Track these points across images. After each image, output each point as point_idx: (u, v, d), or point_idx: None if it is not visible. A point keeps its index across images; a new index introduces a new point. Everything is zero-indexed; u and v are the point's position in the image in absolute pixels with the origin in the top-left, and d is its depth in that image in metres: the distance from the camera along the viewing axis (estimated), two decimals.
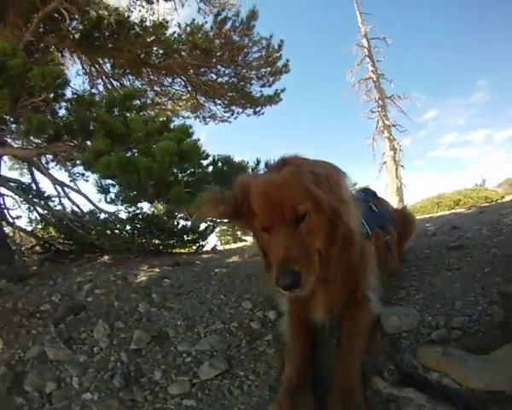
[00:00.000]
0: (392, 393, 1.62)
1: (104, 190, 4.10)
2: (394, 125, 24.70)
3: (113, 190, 4.48)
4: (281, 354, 2.06)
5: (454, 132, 58.46)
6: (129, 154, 3.89)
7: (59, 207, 5.77)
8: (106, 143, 3.66)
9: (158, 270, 4.02)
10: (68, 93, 5.04)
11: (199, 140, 3.93)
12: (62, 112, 4.72)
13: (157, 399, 1.97)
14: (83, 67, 8.97)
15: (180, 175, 3.86)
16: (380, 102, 24.77)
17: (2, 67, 3.72)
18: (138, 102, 5.00)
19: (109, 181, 4.20)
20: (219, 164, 4.12)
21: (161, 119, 4.77)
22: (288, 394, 1.64)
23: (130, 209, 5.77)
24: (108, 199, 4.61)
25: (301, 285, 1.59)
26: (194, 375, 2.07)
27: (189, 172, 3.92)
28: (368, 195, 2.97)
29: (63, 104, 4.68)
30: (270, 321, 2.49)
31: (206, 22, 8.54)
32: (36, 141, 4.52)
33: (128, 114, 4.42)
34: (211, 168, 4.17)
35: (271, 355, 2.12)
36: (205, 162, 4.10)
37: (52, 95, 4.21)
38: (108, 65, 8.92)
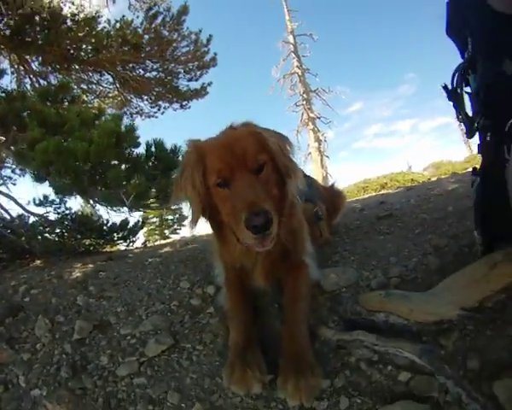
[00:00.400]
0: (342, 338, 1.69)
1: (40, 178, 3.90)
2: (319, 118, 25.62)
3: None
4: (224, 322, 2.09)
5: (379, 124, 61.34)
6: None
7: None
8: (41, 131, 3.56)
9: (92, 265, 3.91)
10: None
11: (133, 124, 3.90)
12: None
13: (107, 383, 1.94)
14: (11, 66, 8.45)
15: (116, 161, 3.80)
16: (304, 95, 25.57)
17: None
18: (70, 95, 4.86)
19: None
20: (152, 148, 4.09)
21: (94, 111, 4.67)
22: (238, 355, 1.68)
23: (59, 211, 5.59)
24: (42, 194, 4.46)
25: (272, 226, 1.62)
26: (141, 354, 2.06)
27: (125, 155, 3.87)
28: None
29: None
30: (210, 296, 2.50)
31: (138, 17, 8.47)
32: None
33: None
34: (144, 152, 4.14)
35: (215, 325, 2.15)
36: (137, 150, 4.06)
37: None
38: (36, 63, 8.52)
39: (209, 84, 9.74)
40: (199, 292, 2.59)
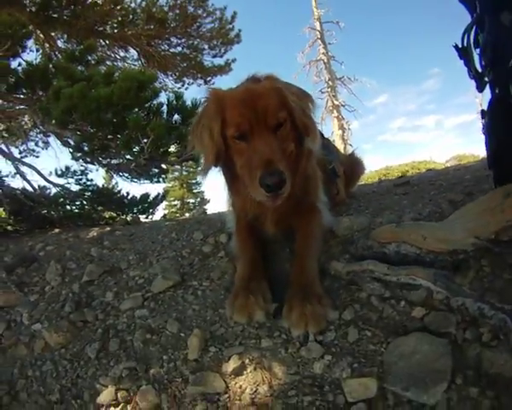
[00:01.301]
0: (352, 269, 1.62)
1: (64, 122, 3.92)
2: (343, 106, 25.04)
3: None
4: (233, 262, 2.05)
5: (403, 117, 60.07)
6: None
7: (12, 184, 5.56)
8: (66, 83, 3.60)
9: (109, 228, 3.92)
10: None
11: (154, 74, 3.91)
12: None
13: (108, 317, 1.94)
14: (36, 43, 8.58)
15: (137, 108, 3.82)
16: (330, 82, 25.04)
17: None
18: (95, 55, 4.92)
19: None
20: (172, 100, 4.09)
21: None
22: (242, 284, 1.64)
23: (80, 182, 5.64)
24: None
25: (284, 187, 1.61)
26: (146, 291, 2.04)
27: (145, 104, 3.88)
28: None
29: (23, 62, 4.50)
30: (222, 243, 2.44)
31: None
32: None
33: None
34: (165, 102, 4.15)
35: (224, 265, 2.10)
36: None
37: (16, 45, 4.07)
38: (62, 40, 8.61)
39: (233, 60, 9.68)
40: (211, 241, 2.52)
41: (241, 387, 1.32)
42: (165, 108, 4.06)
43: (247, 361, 1.38)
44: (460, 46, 1.84)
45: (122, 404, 1.43)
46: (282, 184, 1.59)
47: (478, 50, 1.83)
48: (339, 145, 23.63)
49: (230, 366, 1.38)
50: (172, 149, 4.29)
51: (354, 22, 54.40)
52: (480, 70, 1.79)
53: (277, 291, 1.66)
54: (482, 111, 1.92)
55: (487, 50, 1.73)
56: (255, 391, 1.29)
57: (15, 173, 5.40)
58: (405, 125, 56.90)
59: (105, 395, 1.44)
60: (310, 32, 25.64)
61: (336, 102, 24.67)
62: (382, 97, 55.33)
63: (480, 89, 1.81)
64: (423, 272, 1.41)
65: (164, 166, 4.62)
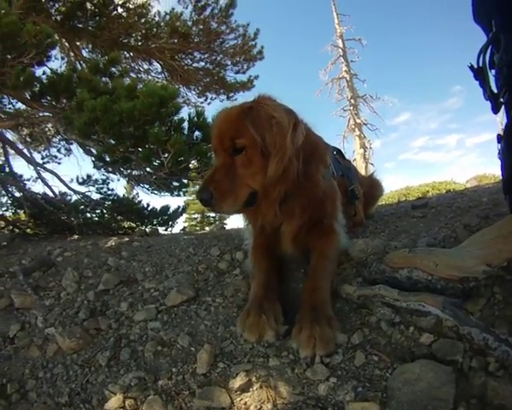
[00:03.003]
0: (363, 293, 1.63)
1: (86, 134, 4.02)
2: (365, 124, 24.97)
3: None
4: (248, 280, 2.08)
5: (425, 136, 59.33)
6: None
7: (33, 189, 5.68)
8: (90, 95, 3.71)
9: (128, 238, 3.99)
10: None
11: (176, 89, 3.99)
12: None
13: (122, 326, 1.98)
14: (61, 51, 8.82)
15: (158, 122, 3.90)
16: (352, 100, 25.03)
17: None
18: (119, 67, 5.03)
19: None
20: (193, 116, 4.16)
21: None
22: (255, 303, 1.66)
23: (101, 191, 5.77)
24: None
25: (212, 204, 1.80)
26: (160, 304, 2.08)
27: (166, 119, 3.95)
28: (333, 148, 3.02)
29: (48, 70, 4.62)
30: (238, 261, 2.49)
31: (187, 8, 8.61)
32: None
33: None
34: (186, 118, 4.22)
35: (239, 282, 2.13)
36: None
37: (41, 55, 4.19)
38: (87, 50, 8.83)
39: (256, 77, 9.77)
40: (227, 258, 2.58)
41: (246, 403, 1.33)
42: (186, 124, 4.12)
43: (253, 379, 1.40)
44: (475, 66, 1.83)
45: None
46: (207, 202, 1.80)
47: (493, 71, 1.81)
48: (360, 164, 23.56)
49: (237, 382, 1.39)
50: (192, 164, 4.34)
51: (376, 40, 54.60)
52: (495, 91, 1.78)
53: (290, 311, 1.68)
54: (498, 135, 1.90)
55: (503, 70, 1.70)
56: (259, 408, 1.30)
57: (37, 178, 5.55)
58: (427, 145, 56.24)
59: (113, 402, 1.47)
60: (332, 50, 25.78)
61: (358, 121, 24.64)
62: (404, 116, 55.06)
63: (495, 110, 1.79)
64: (432, 299, 1.41)
65: (184, 180, 4.68)
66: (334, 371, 1.35)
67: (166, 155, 3.73)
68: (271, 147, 1.79)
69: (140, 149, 3.98)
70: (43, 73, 4.49)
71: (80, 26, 7.63)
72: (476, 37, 1.90)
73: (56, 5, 7.47)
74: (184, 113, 4.25)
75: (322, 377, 1.32)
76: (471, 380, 1.18)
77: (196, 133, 4.17)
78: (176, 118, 4.02)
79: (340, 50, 25.42)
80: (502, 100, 1.74)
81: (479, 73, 1.82)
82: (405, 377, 1.20)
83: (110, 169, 4.95)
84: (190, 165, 4.26)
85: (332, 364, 1.38)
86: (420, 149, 58.51)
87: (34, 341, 2.04)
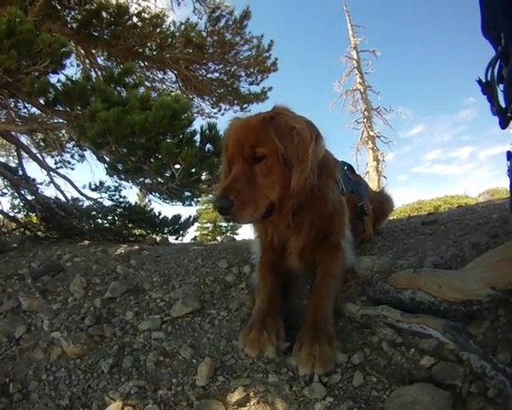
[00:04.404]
0: (366, 313, 1.63)
1: (98, 145, 4.08)
2: (379, 136, 24.79)
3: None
4: (253, 295, 2.10)
5: (439, 149, 58.66)
6: None
7: (45, 193, 5.76)
8: (103, 105, 3.76)
9: (137, 247, 4.03)
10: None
11: (188, 102, 4.04)
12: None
13: (126, 335, 2.01)
14: (77, 59, 8.95)
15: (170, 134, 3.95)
16: (366, 113, 24.89)
17: (12, 32, 3.83)
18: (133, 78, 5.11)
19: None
20: (207, 131, 4.20)
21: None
22: (258, 319, 1.67)
23: (113, 198, 5.79)
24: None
25: (232, 213, 1.72)
26: (165, 314, 2.11)
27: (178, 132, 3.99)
28: (344, 164, 3.02)
29: (63, 77, 4.71)
30: (245, 274, 2.50)
31: (201, 18, 8.76)
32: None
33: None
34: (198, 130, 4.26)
35: (244, 296, 2.15)
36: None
37: (56, 63, 4.27)
38: (102, 58, 8.95)
39: (269, 88, 9.79)
40: (235, 271, 2.60)
41: None
42: (198, 136, 4.16)
43: (251, 394, 1.41)
44: (484, 80, 1.81)
45: None
46: (226, 211, 1.72)
47: (502, 86, 1.78)
48: (373, 177, 23.39)
49: (235, 396, 1.40)
50: (204, 177, 4.37)
51: (390, 50, 54.21)
52: (503, 106, 1.75)
53: (294, 326, 1.69)
54: (508, 152, 1.89)
55: None
56: None
57: (49, 182, 5.63)
58: (440, 157, 55.57)
59: (112, 409, 1.49)
60: (346, 62, 25.80)
61: (372, 133, 24.53)
62: (418, 128, 54.50)
63: (503, 125, 1.77)
64: (434, 322, 1.41)
65: (196, 191, 4.71)
66: (332, 391, 1.35)
67: (178, 167, 3.77)
68: (294, 158, 1.80)
69: (152, 160, 4.02)
70: (58, 80, 4.57)
71: (96, 34, 7.72)
72: (488, 49, 1.87)
73: (72, 13, 7.60)
74: (198, 124, 4.27)
75: (319, 395, 1.32)
76: (468, 405, 1.17)
77: (208, 146, 4.19)
78: (188, 130, 4.05)
79: (355, 62, 25.42)
80: (510, 115, 1.72)
81: (487, 88, 1.81)
82: (402, 400, 1.20)
83: (123, 177, 4.99)
84: (202, 177, 4.29)
85: (330, 383, 1.39)
86: (433, 161, 57.80)
87: (39, 343, 2.08)
